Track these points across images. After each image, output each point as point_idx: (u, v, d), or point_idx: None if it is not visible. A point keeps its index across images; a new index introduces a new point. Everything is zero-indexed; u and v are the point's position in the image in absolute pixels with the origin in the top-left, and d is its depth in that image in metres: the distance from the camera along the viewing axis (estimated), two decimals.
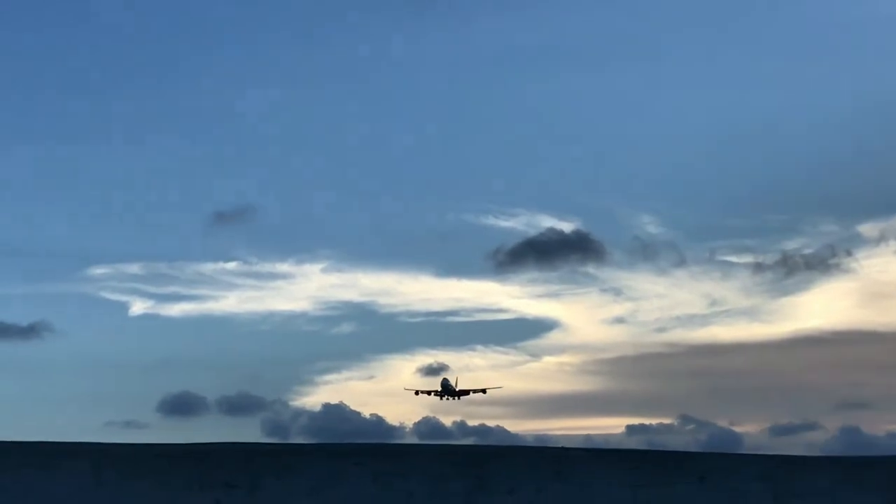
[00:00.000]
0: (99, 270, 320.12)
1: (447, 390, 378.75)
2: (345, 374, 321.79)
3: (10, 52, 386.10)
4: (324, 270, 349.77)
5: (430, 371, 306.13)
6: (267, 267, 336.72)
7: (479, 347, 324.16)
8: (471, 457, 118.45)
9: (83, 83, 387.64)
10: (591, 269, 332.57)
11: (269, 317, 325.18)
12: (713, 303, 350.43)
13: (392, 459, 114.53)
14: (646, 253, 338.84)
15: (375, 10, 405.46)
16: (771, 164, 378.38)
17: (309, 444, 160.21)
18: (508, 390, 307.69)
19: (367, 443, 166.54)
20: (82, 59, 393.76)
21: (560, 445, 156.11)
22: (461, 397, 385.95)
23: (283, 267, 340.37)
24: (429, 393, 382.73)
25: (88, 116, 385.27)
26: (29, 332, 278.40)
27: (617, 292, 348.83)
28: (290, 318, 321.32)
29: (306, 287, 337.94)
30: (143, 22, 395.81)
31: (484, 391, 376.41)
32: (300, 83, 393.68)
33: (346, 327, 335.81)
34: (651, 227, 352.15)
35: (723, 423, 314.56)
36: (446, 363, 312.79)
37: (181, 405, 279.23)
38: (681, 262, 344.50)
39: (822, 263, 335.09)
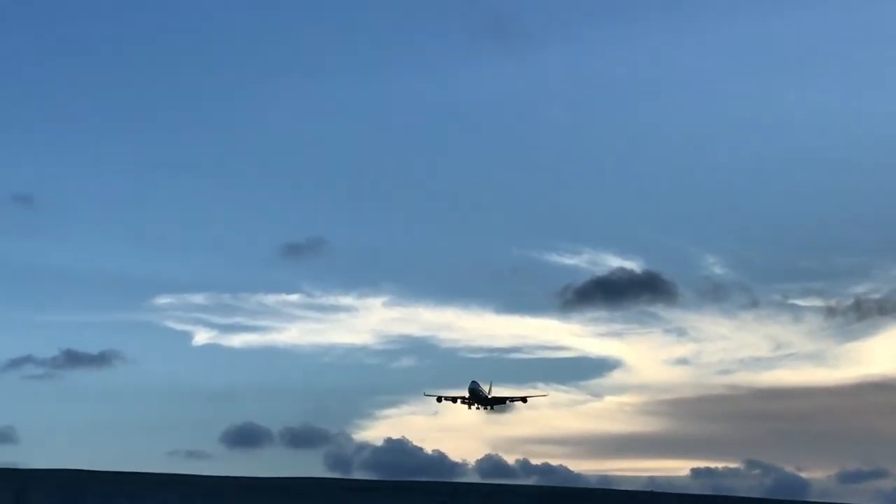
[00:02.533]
0: (164, 300, 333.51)
1: (476, 397, 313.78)
2: (404, 408, 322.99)
3: (85, 88, 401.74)
4: (386, 304, 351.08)
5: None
6: (330, 299, 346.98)
7: (541, 385, 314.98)
8: (561, 499, 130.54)
9: (155, 117, 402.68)
10: (655, 308, 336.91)
11: (330, 349, 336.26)
12: (778, 346, 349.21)
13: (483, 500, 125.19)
14: (711, 294, 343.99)
15: (439, 46, 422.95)
16: (841, 207, 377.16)
17: (387, 481, 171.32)
18: (570, 429, 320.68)
19: (461, 482, 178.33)
20: (155, 95, 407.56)
21: (649, 490, 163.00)
22: (495, 406, 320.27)
23: (346, 300, 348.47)
24: (454, 399, 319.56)
25: (158, 147, 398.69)
26: (100, 360, 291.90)
27: (681, 333, 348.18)
28: (351, 351, 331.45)
29: (368, 320, 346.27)
30: (214, 57, 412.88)
31: (524, 399, 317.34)
32: (370, 119, 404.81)
33: (406, 361, 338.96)
34: (716, 267, 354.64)
35: (789, 468, 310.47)
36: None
37: (245, 436, 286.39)
38: (746, 304, 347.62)
39: (894, 309, 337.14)
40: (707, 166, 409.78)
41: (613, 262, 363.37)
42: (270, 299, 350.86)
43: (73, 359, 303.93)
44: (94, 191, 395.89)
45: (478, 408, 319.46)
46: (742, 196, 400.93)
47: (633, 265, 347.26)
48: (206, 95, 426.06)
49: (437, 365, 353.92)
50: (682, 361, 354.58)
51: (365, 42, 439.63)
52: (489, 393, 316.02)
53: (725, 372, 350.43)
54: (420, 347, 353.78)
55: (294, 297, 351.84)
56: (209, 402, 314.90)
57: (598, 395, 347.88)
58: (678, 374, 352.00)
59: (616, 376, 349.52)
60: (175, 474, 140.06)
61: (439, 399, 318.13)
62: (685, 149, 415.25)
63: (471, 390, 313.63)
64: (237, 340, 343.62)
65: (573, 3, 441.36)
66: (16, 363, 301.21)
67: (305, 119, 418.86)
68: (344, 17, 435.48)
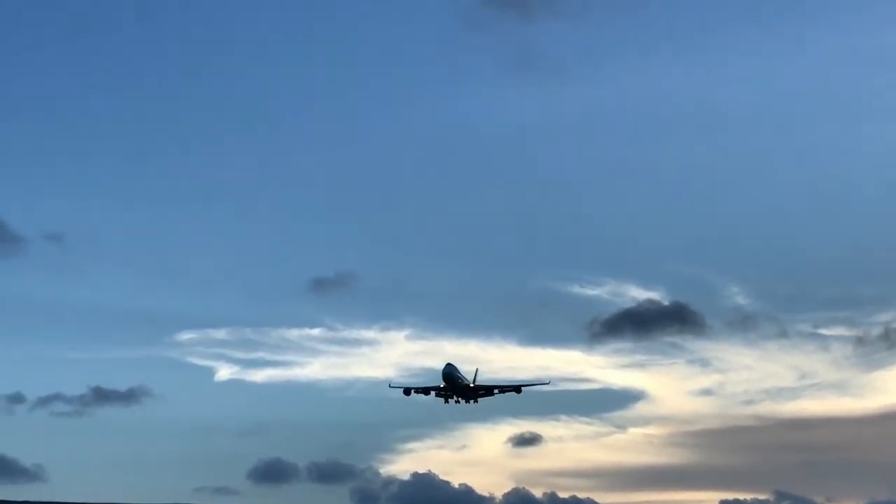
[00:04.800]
0: (186, 335, 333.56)
1: (454, 385, 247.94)
2: (427, 442, 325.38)
3: (115, 128, 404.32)
4: (408, 337, 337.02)
5: (523, 441, 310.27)
6: (352, 333, 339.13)
7: (564, 417, 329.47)
8: None
9: (181, 154, 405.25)
10: (678, 339, 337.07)
11: (353, 383, 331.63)
12: (803, 376, 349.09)
13: None
14: (738, 325, 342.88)
15: (464, 77, 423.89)
16: (867, 235, 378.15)
17: None
18: (595, 461, 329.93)
19: None
20: (182, 133, 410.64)
21: None
22: (479, 398, 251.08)
23: (369, 333, 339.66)
24: (426, 392, 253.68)
25: (184, 184, 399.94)
26: (128, 397, 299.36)
27: (704, 364, 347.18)
28: (374, 385, 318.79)
29: (390, 354, 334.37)
30: (239, 91, 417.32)
31: (518, 389, 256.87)
32: (397, 152, 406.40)
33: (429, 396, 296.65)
34: (740, 297, 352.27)
35: (819, 499, 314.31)
36: (539, 433, 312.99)
37: (272, 472, 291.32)
38: (771, 334, 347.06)
39: None
40: (728, 196, 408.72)
41: (635, 293, 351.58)
42: (293, 334, 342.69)
43: (101, 396, 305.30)
44: (122, 228, 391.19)
45: (457, 401, 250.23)
46: (765, 225, 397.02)
47: (655, 296, 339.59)
48: (232, 130, 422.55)
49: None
50: (707, 392, 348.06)
51: (392, 74, 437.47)
52: (474, 381, 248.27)
53: (750, 402, 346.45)
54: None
55: (316, 332, 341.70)
56: (234, 438, 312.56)
57: (622, 427, 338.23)
58: (702, 405, 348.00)
59: (640, 408, 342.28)
60: None
61: (407, 391, 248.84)
62: (708, 179, 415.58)
63: (445, 376, 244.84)
64: (260, 375, 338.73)
65: (598, 37, 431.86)
66: (45, 401, 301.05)
67: (332, 153, 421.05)
68: (371, 49, 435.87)
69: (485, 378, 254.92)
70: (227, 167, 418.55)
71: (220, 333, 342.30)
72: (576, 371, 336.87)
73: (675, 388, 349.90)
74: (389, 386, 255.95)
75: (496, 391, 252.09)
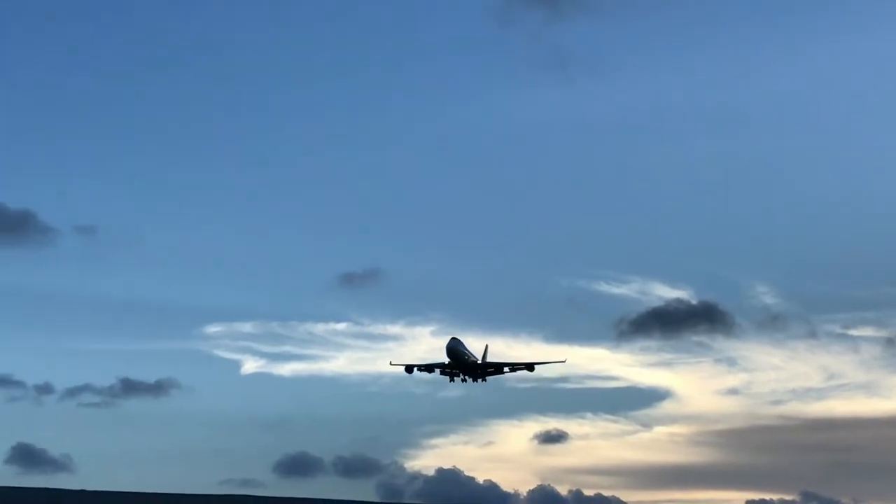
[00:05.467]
0: (214, 328, 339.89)
1: (460, 361, 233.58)
2: (452, 437, 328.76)
3: (143, 123, 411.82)
4: (434, 333, 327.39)
5: (549, 438, 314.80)
6: (378, 328, 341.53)
7: (589, 415, 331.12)
8: None
9: (211, 149, 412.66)
10: (705, 338, 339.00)
11: (378, 378, 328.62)
12: (830, 376, 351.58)
13: None
14: (767, 325, 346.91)
15: (496, 76, 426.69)
16: (893, 236, 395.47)
17: None
18: (620, 459, 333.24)
19: None
20: (211, 128, 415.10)
21: None
22: (486, 376, 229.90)
23: (394, 329, 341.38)
24: (430, 369, 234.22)
25: (214, 178, 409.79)
26: (156, 389, 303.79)
27: (731, 363, 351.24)
28: (399, 380, 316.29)
29: (416, 349, 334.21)
30: (269, 89, 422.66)
31: (530, 367, 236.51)
32: (426, 150, 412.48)
33: (454, 391, 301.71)
34: (767, 297, 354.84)
35: (846, 500, 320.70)
36: (566, 431, 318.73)
37: (297, 466, 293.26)
38: (799, 335, 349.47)
39: None
40: (758, 195, 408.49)
41: (662, 291, 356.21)
42: (319, 328, 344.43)
43: (130, 387, 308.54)
44: (152, 221, 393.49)
45: (464, 379, 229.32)
46: (794, 225, 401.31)
47: (683, 295, 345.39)
48: (263, 126, 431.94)
49: (485, 394, 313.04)
50: (733, 392, 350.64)
51: (422, 72, 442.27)
52: (484, 358, 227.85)
53: (777, 402, 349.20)
54: None
55: (342, 326, 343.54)
56: (260, 431, 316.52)
57: (647, 425, 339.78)
58: (729, 405, 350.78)
59: (666, 406, 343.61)
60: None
61: (409, 369, 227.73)
62: (737, 177, 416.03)
63: (450, 351, 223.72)
64: (286, 369, 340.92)
65: (628, 35, 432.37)
66: (73, 392, 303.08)
67: (362, 150, 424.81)
68: (401, 47, 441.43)
69: (496, 357, 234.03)
70: (258, 162, 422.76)
71: (247, 327, 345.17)
72: (602, 369, 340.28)
73: (702, 387, 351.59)
74: (390, 364, 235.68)
75: (506, 369, 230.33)
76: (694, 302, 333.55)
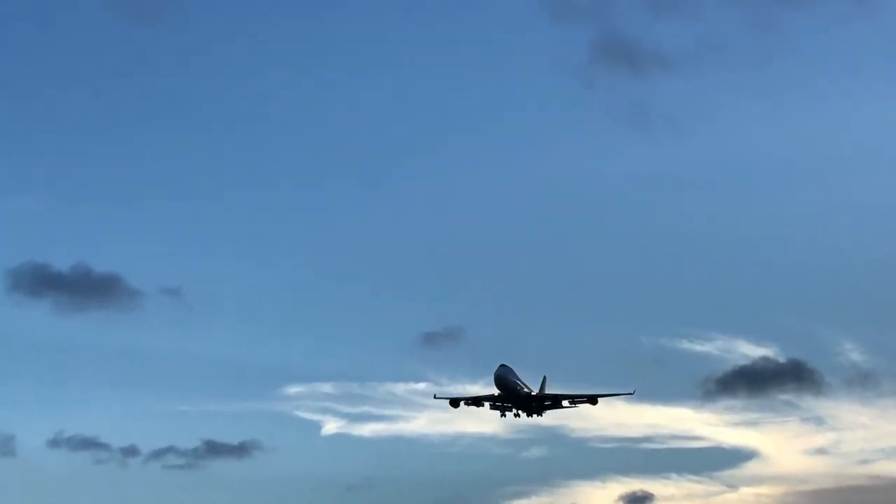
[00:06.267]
0: (294, 389, 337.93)
1: (511, 393, 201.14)
2: (534, 499, 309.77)
3: (227, 178, 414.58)
4: None
5: (634, 500, 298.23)
6: (458, 388, 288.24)
7: (674, 476, 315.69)
8: None
9: (292, 210, 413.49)
10: (791, 397, 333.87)
11: (458, 438, 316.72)
12: None
13: None
14: (851, 382, 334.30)
15: (578, 131, 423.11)
16: None
17: None
18: None
19: None
20: (291, 190, 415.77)
21: None
22: (543, 411, 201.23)
23: (474, 388, 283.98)
24: (479, 403, 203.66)
25: (295, 238, 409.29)
26: (239, 450, 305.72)
27: (819, 422, 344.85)
28: (480, 441, 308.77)
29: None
30: (347, 151, 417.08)
31: (593, 400, 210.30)
32: (507, 207, 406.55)
33: (536, 451, 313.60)
34: (854, 354, 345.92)
35: None
36: (650, 492, 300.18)
37: None
38: (887, 392, 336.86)
39: None
40: (841, 250, 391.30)
41: (746, 349, 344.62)
42: (399, 388, 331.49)
43: (213, 449, 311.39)
44: (235, 282, 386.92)
45: (516, 414, 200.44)
46: (880, 279, 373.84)
47: (769, 352, 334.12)
48: (345, 186, 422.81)
49: (567, 455, 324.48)
50: (821, 451, 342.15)
51: (505, 130, 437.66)
52: (542, 390, 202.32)
53: (866, 462, 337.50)
54: (550, 437, 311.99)
55: (422, 386, 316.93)
56: (342, 492, 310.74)
57: (733, 486, 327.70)
58: (816, 465, 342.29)
59: (752, 467, 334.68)
60: None
61: (455, 403, 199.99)
62: (820, 232, 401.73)
63: (498, 380, 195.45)
64: (366, 430, 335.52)
65: (710, 92, 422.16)
66: (158, 454, 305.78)
67: (443, 208, 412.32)
68: (484, 106, 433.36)
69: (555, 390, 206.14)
70: (338, 223, 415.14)
71: (327, 387, 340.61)
72: (686, 428, 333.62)
73: (789, 447, 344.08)
74: (434, 397, 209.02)
75: (565, 402, 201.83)
76: (781, 360, 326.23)
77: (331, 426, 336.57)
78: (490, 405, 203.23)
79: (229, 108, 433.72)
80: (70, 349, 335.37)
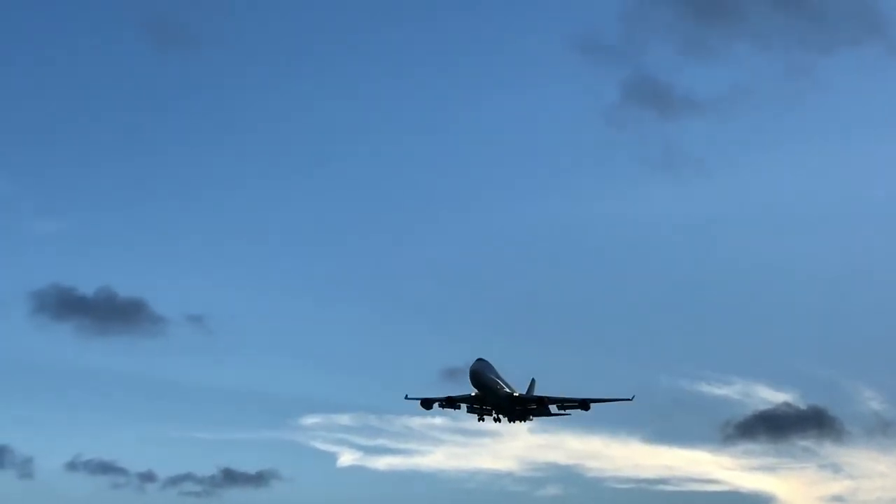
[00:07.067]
0: (311, 420, 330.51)
1: (488, 392, 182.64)
2: None
3: (252, 207, 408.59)
4: (531, 430, 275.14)
5: None
6: (475, 424, 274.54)
7: None
8: None
9: (318, 238, 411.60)
10: (811, 444, 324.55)
11: (474, 475, 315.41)
12: None
13: None
14: (870, 430, 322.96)
15: (606, 172, 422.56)
16: None
17: None
18: None
19: None
20: (316, 221, 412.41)
21: None
22: (528, 416, 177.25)
23: (491, 425, 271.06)
24: (454, 405, 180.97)
25: (322, 268, 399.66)
26: (257, 479, 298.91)
27: (836, 469, 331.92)
28: (496, 478, 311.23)
29: (512, 446, 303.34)
30: (377, 181, 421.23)
31: (585, 406, 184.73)
32: (529, 243, 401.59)
33: (551, 490, 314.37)
34: (874, 402, 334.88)
35: None
36: None
37: None
38: None
39: None
40: (863, 296, 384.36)
41: (765, 393, 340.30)
42: (415, 422, 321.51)
43: (231, 477, 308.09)
44: (257, 311, 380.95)
45: (496, 419, 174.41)
46: None
47: (788, 398, 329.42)
48: (368, 220, 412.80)
49: (582, 495, 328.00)
50: (838, 499, 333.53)
51: (533, 171, 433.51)
52: (529, 391, 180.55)
53: None
54: (565, 476, 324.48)
55: (439, 421, 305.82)
56: None
57: None
58: None
59: None
60: None
61: (427, 404, 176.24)
62: (843, 279, 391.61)
63: (474, 376, 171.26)
64: (381, 463, 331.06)
65: (739, 134, 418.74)
66: (175, 480, 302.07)
67: (469, 244, 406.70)
68: (513, 146, 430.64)
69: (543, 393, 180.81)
70: (362, 256, 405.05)
71: (344, 419, 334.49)
72: (703, 471, 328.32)
73: (805, 493, 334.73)
74: (406, 397, 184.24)
75: (553, 407, 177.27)
76: (802, 406, 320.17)
77: (347, 458, 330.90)
78: (467, 408, 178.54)
79: (260, 139, 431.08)
80: (91, 373, 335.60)
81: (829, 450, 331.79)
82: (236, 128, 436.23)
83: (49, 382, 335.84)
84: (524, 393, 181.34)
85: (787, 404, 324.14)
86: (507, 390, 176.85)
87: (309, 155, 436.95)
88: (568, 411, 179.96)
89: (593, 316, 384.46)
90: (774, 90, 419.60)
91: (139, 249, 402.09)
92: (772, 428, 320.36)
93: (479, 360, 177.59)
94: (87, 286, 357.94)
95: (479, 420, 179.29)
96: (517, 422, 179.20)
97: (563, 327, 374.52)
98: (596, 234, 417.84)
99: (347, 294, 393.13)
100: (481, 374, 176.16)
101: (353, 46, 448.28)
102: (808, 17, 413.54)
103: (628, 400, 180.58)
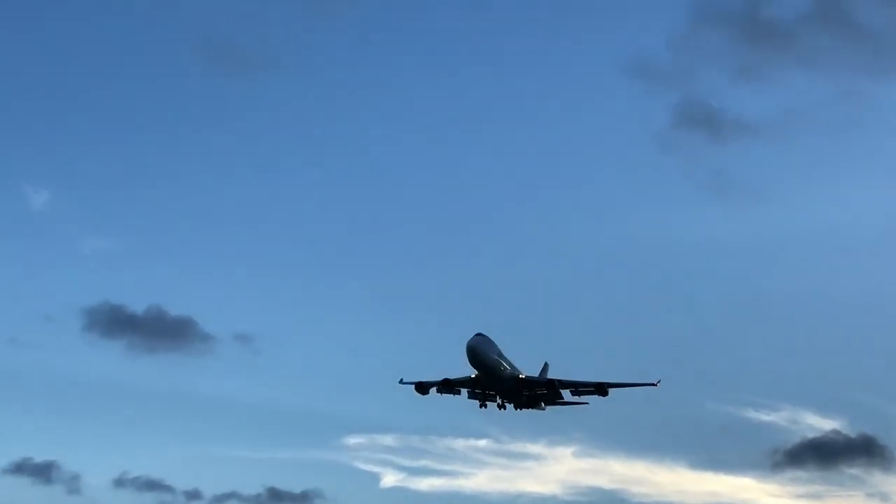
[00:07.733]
0: (355, 440, 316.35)
1: (490, 374, 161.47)
2: None
3: (299, 228, 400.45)
4: (576, 454, 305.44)
5: None
6: (518, 446, 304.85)
7: None
8: None
9: (367, 259, 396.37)
10: (860, 472, 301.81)
11: (517, 498, 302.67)
12: None
13: None
14: None
15: (657, 196, 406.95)
16: None
17: None
18: None
19: None
20: (371, 236, 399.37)
21: None
22: (538, 403, 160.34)
23: (535, 448, 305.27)
24: (453, 390, 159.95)
25: (368, 287, 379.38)
26: (301, 499, 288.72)
27: (884, 497, 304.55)
28: (540, 501, 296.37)
29: (556, 470, 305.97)
30: (427, 203, 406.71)
31: (603, 391, 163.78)
32: (586, 266, 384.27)
33: None
34: None
35: None
36: None
37: None
38: None
39: None
40: None
41: (812, 420, 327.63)
42: (459, 444, 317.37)
43: (276, 496, 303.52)
44: (304, 329, 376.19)
45: (501, 405, 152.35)
46: None
47: (837, 425, 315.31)
48: (416, 241, 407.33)
49: None
50: None
51: (583, 195, 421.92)
52: (542, 374, 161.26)
53: None
54: (610, 501, 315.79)
55: (482, 443, 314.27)
56: None
57: None
58: None
59: None
60: None
61: (423, 389, 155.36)
62: (893, 306, 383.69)
63: (471, 353, 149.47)
64: (424, 484, 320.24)
65: (790, 159, 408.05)
66: (221, 499, 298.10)
67: (513, 265, 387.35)
68: (563, 170, 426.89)
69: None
70: (408, 276, 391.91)
71: (388, 439, 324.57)
72: (749, 498, 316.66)
73: None
74: (400, 382, 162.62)
75: (566, 394, 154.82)
76: (851, 434, 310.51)
77: (389, 479, 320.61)
78: (468, 393, 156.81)
79: (313, 163, 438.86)
80: (140, 390, 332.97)
81: (878, 478, 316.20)
82: (288, 150, 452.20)
83: (98, 399, 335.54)
84: (541, 374, 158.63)
85: (835, 431, 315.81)
86: (511, 372, 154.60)
87: (362, 180, 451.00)
88: (584, 398, 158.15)
89: (642, 341, 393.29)
90: (827, 114, 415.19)
91: (189, 269, 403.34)
92: (820, 455, 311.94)
93: (479, 334, 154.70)
94: (137, 304, 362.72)
95: (480, 406, 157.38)
96: (522, 409, 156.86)
97: (605, 350, 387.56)
98: (645, 257, 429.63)
99: (395, 315, 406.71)
100: (477, 349, 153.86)
101: (407, 71, 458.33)
102: (860, 39, 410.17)
103: (653, 385, 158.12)
